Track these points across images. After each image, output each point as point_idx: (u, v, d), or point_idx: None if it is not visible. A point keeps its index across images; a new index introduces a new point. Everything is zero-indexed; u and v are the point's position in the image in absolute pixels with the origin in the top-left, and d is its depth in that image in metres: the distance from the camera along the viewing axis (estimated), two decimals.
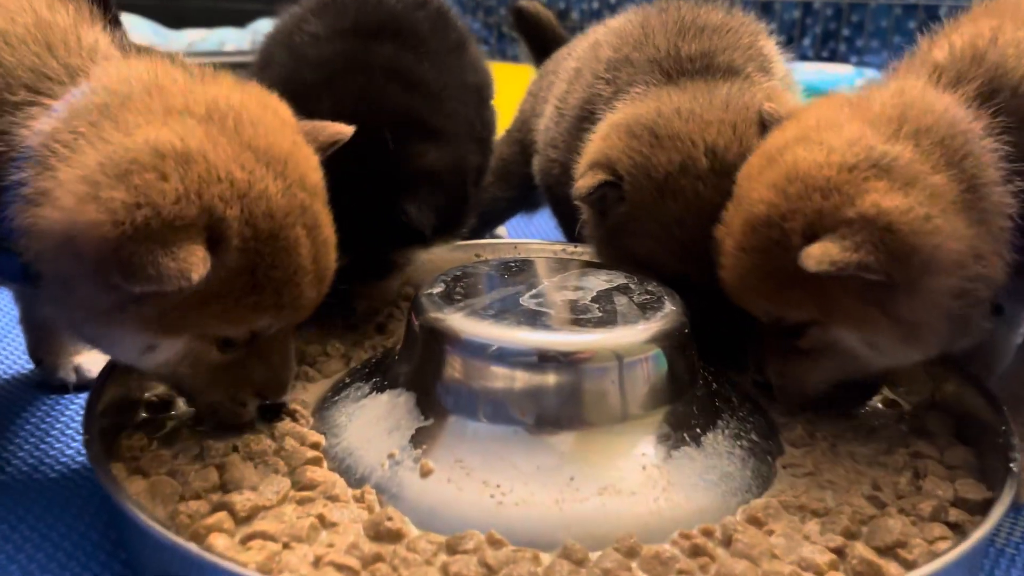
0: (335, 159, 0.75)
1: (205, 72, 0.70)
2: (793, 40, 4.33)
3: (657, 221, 0.86)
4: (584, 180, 0.88)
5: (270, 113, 0.69)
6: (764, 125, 0.84)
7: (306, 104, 0.78)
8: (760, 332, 0.78)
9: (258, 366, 0.72)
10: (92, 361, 0.94)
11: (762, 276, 0.72)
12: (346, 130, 0.77)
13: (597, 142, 0.92)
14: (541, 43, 1.46)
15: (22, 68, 0.65)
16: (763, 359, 0.79)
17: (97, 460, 0.65)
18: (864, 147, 0.69)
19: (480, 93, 1.06)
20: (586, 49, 1.13)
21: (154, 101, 0.64)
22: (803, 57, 4.22)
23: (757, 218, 0.71)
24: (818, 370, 0.76)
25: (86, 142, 0.61)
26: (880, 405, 0.88)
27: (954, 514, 0.69)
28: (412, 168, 0.89)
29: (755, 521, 0.67)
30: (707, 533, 0.66)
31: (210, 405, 0.73)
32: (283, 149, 0.67)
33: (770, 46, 1.02)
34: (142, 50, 0.72)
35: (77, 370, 0.94)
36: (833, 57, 4.22)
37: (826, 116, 0.75)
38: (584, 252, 1.15)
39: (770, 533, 0.66)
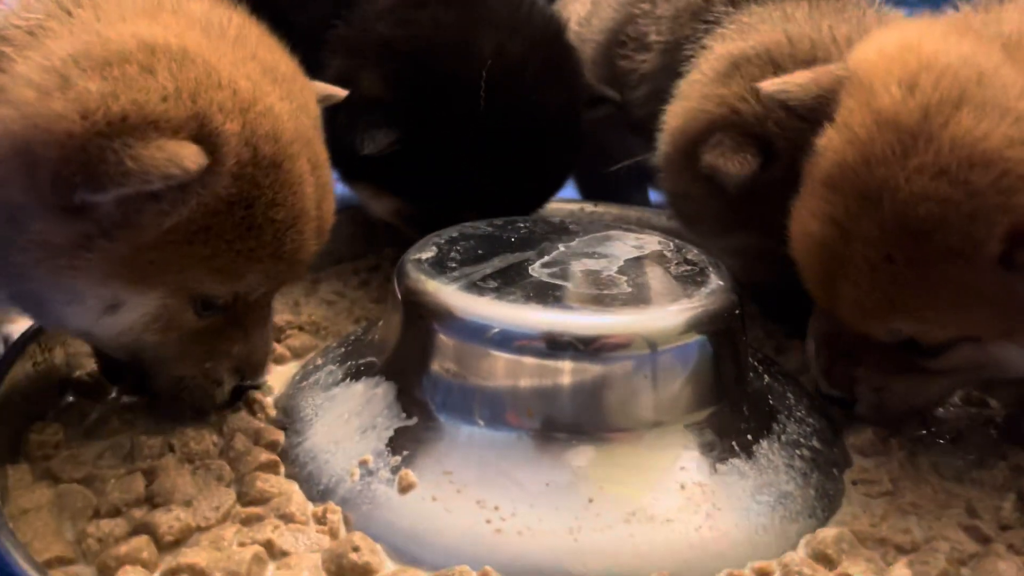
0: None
1: None
2: None
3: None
4: (726, 161, 0.66)
5: (269, 36, 0.60)
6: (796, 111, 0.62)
7: (453, 47, 0.77)
8: (836, 342, 0.62)
9: (237, 337, 0.60)
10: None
11: (917, 290, 0.55)
12: (340, 92, 0.67)
13: (715, 86, 0.72)
14: None
15: None
16: (846, 373, 0.63)
17: None
18: None
19: None
20: None
21: (137, 1, 0.54)
22: None
23: (922, 221, 0.53)
24: (939, 386, 0.62)
25: (53, 33, 0.51)
26: (960, 402, 0.73)
27: None
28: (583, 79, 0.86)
29: (824, 559, 0.53)
30: (763, 575, 0.51)
31: (177, 382, 0.60)
32: (289, 69, 0.59)
33: None
34: None
35: (6, 341, 0.80)
36: None
37: (977, 61, 0.55)
38: (607, 212, 1.00)
39: None
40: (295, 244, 0.56)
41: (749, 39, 0.73)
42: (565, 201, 1.03)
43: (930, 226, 0.53)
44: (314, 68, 0.65)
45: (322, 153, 0.60)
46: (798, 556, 0.53)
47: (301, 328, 0.78)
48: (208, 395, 0.61)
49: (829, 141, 0.57)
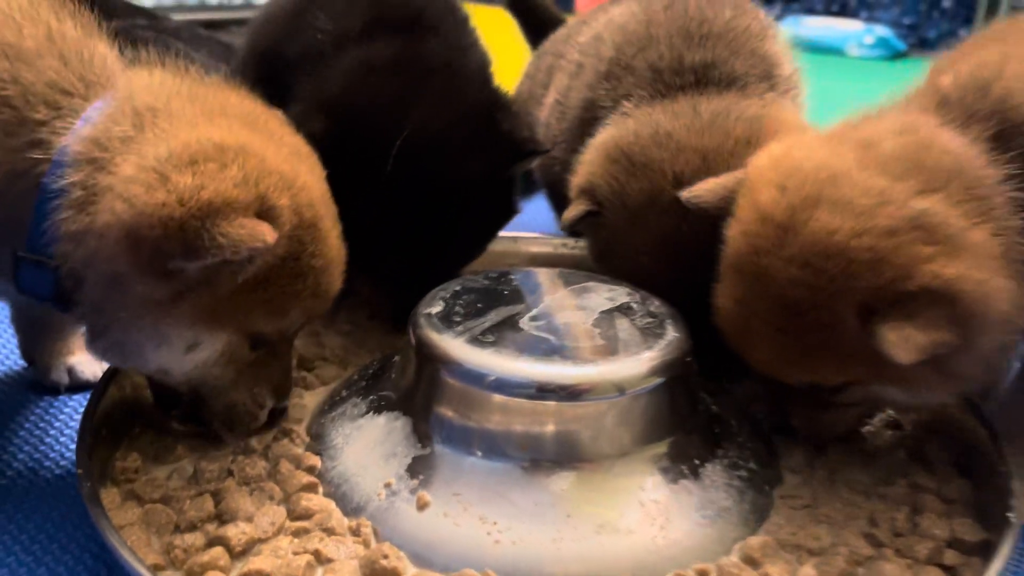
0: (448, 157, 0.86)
1: (211, 79, 0.73)
2: None
3: (631, 247, 0.87)
4: (568, 211, 0.90)
5: (276, 116, 0.75)
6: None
7: (383, 113, 0.87)
8: (778, 388, 0.75)
9: (275, 366, 0.75)
10: (85, 363, 0.93)
11: (805, 353, 0.68)
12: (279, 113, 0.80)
13: (585, 163, 0.92)
14: (536, 25, 1.42)
15: (41, 84, 0.66)
16: (786, 410, 0.77)
17: (92, 500, 0.64)
18: (897, 206, 0.65)
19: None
20: (588, 42, 1.09)
21: (196, 107, 0.67)
22: (811, 11, 4.15)
23: (797, 302, 0.66)
24: (849, 416, 0.77)
25: (143, 140, 0.64)
26: (878, 425, 0.87)
27: (950, 557, 0.68)
28: (518, 140, 0.93)
29: (751, 561, 0.67)
30: (702, 575, 0.66)
31: (229, 407, 0.74)
32: (304, 146, 0.74)
33: (776, 47, 0.99)
34: (136, 57, 0.73)
35: (70, 371, 0.93)
36: (843, 11, 4.14)
37: (832, 165, 0.68)
38: (585, 246, 1.13)
39: None
40: (327, 284, 0.71)
41: (615, 129, 0.92)
42: (549, 236, 1.17)
43: (804, 306, 0.66)
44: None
45: (334, 210, 0.73)
46: (731, 560, 0.67)
47: (326, 359, 0.92)
48: (254, 416, 0.75)
49: (731, 232, 0.72)
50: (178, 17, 2.04)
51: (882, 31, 3.83)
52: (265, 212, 0.63)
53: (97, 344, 0.68)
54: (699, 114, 0.87)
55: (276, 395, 0.76)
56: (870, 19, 4.06)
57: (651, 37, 0.97)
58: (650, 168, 0.85)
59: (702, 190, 0.77)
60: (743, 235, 0.70)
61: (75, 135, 0.65)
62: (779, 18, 4.10)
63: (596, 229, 0.91)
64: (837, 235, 0.65)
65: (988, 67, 0.70)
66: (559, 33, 1.28)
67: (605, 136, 0.92)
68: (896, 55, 3.81)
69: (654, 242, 0.85)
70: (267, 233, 0.61)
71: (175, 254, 0.60)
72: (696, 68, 0.92)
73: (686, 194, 0.79)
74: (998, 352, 0.67)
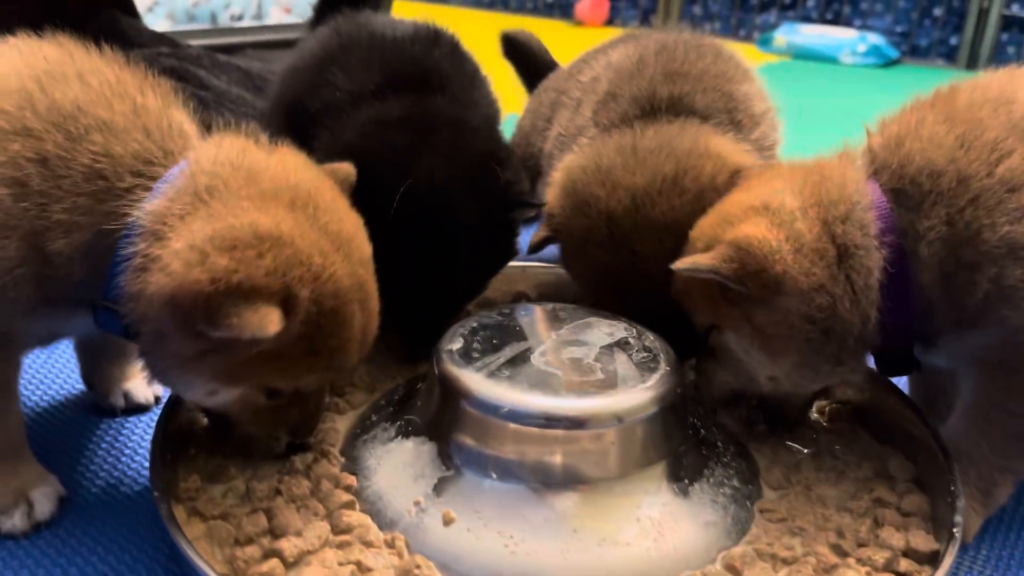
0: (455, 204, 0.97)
1: (272, 148, 0.80)
2: (797, 3, 4.32)
3: (578, 271, 1.05)
4: (533, 235, 1.07)
5: (332, 193, 0.80)
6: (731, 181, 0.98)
7: (394, 160, 0.97)
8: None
9: (294, 411, 0.83)
10: (139, 388, 1.04)
11: (684, 285, 0.90)
12: (351, 168, 0.88)
13: (551, 187, 1.06)
14: (531, 70, 1.52)
15: (128, 156, 0.74)
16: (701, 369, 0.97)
17: (170, 520, 0.74)
18: (770, 199, 0.85)
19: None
20: (588, 82, 1.20)
21: (250, 187, 0.74)
22: (807, 19, 4.24)
23: (689, 240, 0.91)
24: (720, 371, 0.92)
25: (197, 216, 0.72)
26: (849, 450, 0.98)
27: (904, 564, 0.79)
28: (515, 192, 1.04)
29: (732, 569, 0.78)
30: None
31: (249, 437, 0.84)
32: (349, 230, 0.78)
33: (749, 88, 1.12)
34: (211, 124, 0.82)
35: (126, 395, 1.03)
36: (837, 20, 4.23)
37: (778, 175, 0.90)
38: None
39: None
40: (342, 360, 0.78)
41: (576, 156, 1.05)
42: (553, 266, 1.27)
43: (688, 242, 0.90)
44: None
45: (371, 287, 0.79)
46: (715, 568, 0.78)
47: (354, 385, 1.02)
48: (268, 448, 0.86)
49: None
50: (195, 43, 2.13)
51: (875, 39, 3.93)
52: (287, 300, 0.70)
53: (152, 375, 0.78)
54: (636, 151, 1.00)
55: (293, 434, 0.85)
56: (863, 27, 4.15)
57: (638, 73, 1.10)
58: (589, 205, 1.00)
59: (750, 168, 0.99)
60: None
61: (143, 208, 0.73)
62: (775, 26, 4.19)
63: (559, 249, 1.07)
64: (727, 205, 0.89)
65: (907, 127, 0.85)
66: (561, 71, 1.39)
67: (567, 162, 1.06)
68: (888, 63, 3.90)
69: (594, 270, 1.01)
70: (272, 324, 0.67)
71: (200, 321, 0.68)
72: (663, 100, 1.06)
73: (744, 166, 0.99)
74: (814, 331, 0.82)
